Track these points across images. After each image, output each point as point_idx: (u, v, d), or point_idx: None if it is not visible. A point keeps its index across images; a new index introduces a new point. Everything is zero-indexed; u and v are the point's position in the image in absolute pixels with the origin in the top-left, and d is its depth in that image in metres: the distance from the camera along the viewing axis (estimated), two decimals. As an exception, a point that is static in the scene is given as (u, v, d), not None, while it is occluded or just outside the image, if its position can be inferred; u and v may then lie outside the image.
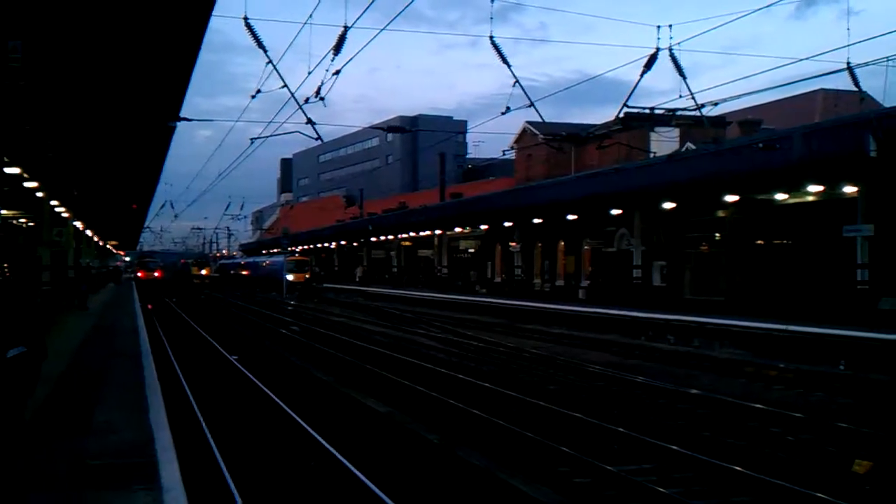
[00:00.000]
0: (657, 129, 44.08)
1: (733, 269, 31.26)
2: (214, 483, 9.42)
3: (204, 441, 11.47)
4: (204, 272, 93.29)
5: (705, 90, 39.20)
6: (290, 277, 67.26)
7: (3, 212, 33.69)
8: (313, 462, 10.64)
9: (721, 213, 31.60)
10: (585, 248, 42.67)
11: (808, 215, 27.63)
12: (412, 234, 59.52)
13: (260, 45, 16.13)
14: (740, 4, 20.88)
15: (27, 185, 25.56)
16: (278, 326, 33.06)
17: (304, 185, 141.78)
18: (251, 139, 23.49)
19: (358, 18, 15.35)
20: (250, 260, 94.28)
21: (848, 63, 19.72)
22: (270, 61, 17.05)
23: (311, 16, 16.41)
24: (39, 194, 28.06)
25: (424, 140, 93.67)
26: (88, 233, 52.50)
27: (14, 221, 39.95)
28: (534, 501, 8.71)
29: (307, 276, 69.88)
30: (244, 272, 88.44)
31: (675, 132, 44.15)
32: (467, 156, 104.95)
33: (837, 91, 47.43)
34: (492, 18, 18.77)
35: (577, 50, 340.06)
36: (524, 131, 62.70)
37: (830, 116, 40.33)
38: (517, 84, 20.21)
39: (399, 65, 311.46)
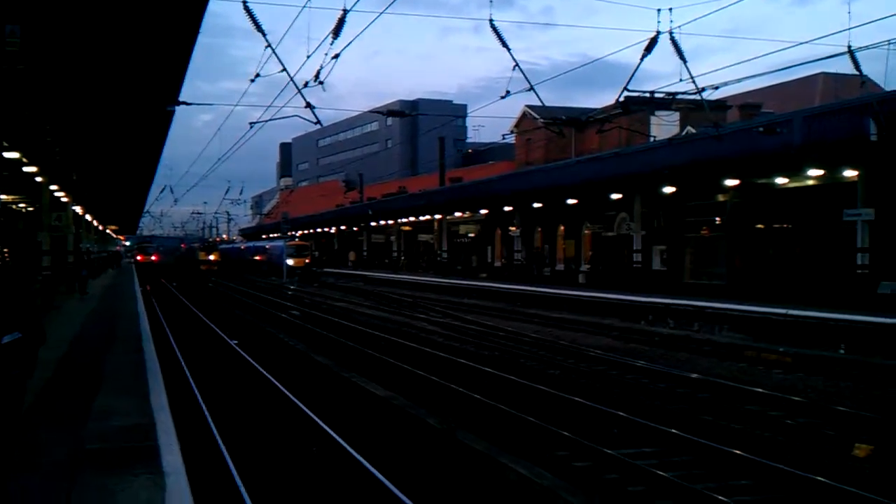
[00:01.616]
0: (657, 112, 44.13)
1: (733, 253, 31.26)
2: (216, 467, 9.45)
3: (205, 425, 11.50)
4: (212, 257, 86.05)
5: (706, 74, 39.23)
6: (290, 262, 67.26)
7: (3, 197, 33.68)
8: (315, 447, 10.67)
9: (721, 198, 31.56)
10: (585, 232, 42.67)
11: (809, 199, 27.60)
12: (412, 218, 59.47)
13: (259, 28, 16.04)
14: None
15: (26, 169, 25.52)
16: (278, 311, 33.08)
17: (303, 169, 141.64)
18: (250, 123, 23.39)
19: (357, 1, 15.22)
20: (250, 245, 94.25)
21: (849, 46, 19.63)
22: (269, 45, 16.96)
23: (309, -1, 16.31)
24: (39, 179, 28.01)
25: (424, 124, 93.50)
26: (88, 217, 52.45)
27: (14, 206, 39.96)
28: (534, 485, 8.73)
29: (307, 260, 69.88)
30: (244, 257, 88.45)
31: (676, 116, 44.14)
32: (467, 140, 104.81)
33: (838, 75, 47.37)
34: (491, 1, 18.67)
35: (581, 33, 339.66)
36: (524, 115, 62.66)
37: (831, 100, 40.26)
38: (517, 68, 20.13)
39: (400, 49, 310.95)
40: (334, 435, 10.77)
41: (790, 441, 10.97)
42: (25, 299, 5.85)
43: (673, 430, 11.01)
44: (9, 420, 5.69)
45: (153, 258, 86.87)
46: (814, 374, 16.65)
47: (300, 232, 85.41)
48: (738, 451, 9.93)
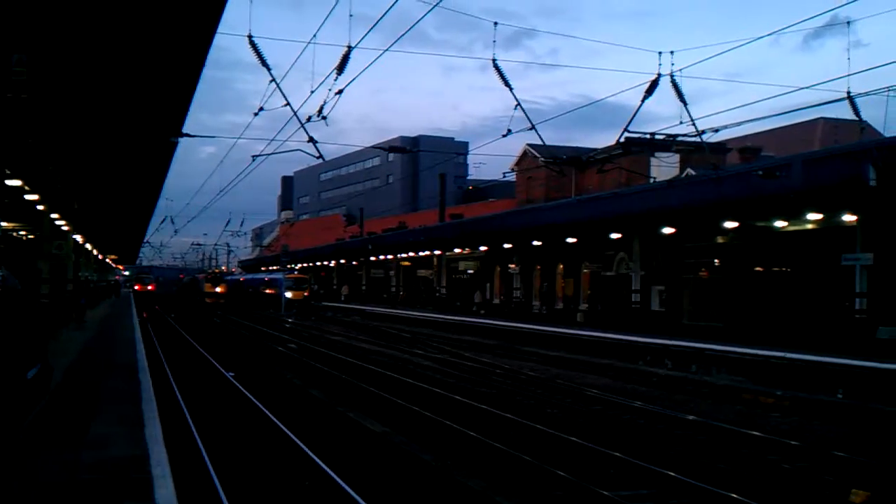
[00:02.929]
0: (657, 154, 44.26)
1: (732, 295, 31.25)
2: (209, 500, 9.37)
3: (199, 457, 11.42)
4: (219, 289, 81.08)
5: (707, 116, 39.72)
6: (288, 295, 67.24)
7: (4, 224, 33.75)
8: (307, 481, 10.60)
9: (720, 240, 31.63)
10: (584, 271, 42.67)
11: (808, 243, 27.66)
12: (412, 253, 59.54)
13: (263, 62, 16.19)
14: (746, 33, 20.97)
15: (28, 197, 25.58)
16: (275, 344, 32.99)
17: (304, 202, 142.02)
18: (253, 156, 23.53)
19: (361, 39, 15.44)
20: (249, 277, 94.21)
21: (848, 92, 19.79)
22: (273, 79, 17.14)
23: (315, 35, 16.52)
24: (40, 207, 28.07)
25: (425, 160, 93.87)
26: (88, 246, 52.48)
27: (14, 234, 40.00)
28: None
29: (306, 293, 69.84)
30: (242, 288, 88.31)
31: (676, 158, 44.24)
32: (468, 177, 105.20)
33: (837, 120, 47.63)
34: (494, 42, 18.87)
35: (585, 74, 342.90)
36: (525, 154, 62.90)
37: (830, 145, 40.46)
38: (518, 107, 20.31)
39: (405, 86, 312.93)
40: (328, 470, 10.69)
41: (787, 485, 10.90)
42: (39, 330, 5.86)
43: (670, 473, 10.95)
44: (11, 443, 5.67)
45: (150, 288, 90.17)
46: (811, 419, 16.58)
47: (299, 265, 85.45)
48: (734, 495, 9.86)
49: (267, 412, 15.37)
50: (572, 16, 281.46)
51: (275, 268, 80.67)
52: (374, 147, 39.62)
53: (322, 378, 21.96)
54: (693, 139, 22.66)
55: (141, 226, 51.66)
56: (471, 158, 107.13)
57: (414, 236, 56.59)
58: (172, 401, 16.51)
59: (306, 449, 11.97)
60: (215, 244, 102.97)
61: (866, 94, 20.14)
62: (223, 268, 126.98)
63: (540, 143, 23.45)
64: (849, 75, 19.41)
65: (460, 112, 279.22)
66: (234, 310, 70.02)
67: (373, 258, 66.97)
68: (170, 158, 24.11)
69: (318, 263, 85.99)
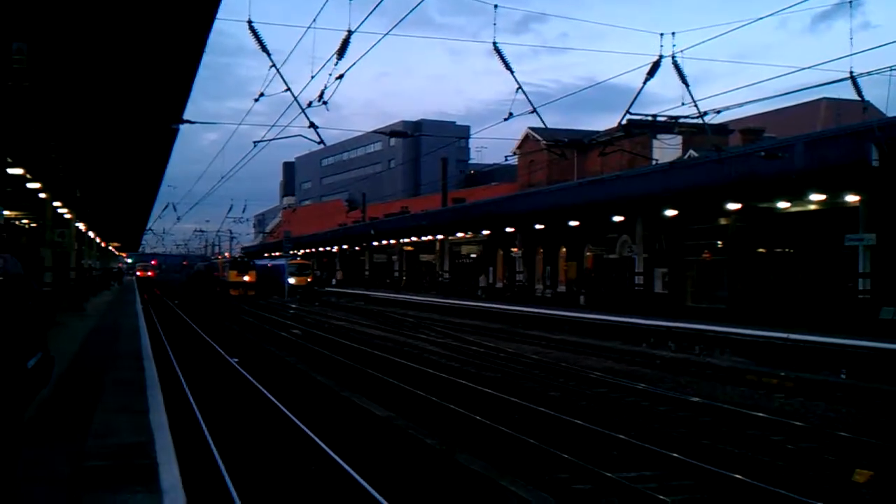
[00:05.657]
0: (660, 136, 44.24)
1: (735, 276, 31.26)
2: (214, 485, 9.41)
3: (204, 443, 11.47)
4: (247, 278, 70.59)
5: (709, 98, 39.37)
6: (291, 281, 67.29)
7: (6, 212, 33.76)
8: (313, 466, 10.64)
9: (723, 221, 31.60)
10: (587, 254, 42.66)
11: (810, 224, 27.63)
12: (414, 238, 59.57)
13: (264, 48, 16.14)
14: (752, 14, 20.84)
15: (30, 185, 25.61)
16: (279, 329, 33.04)
17: (306, 188, 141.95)
18: (254, 142, 23.49)
19: (361, 24, 15.30)
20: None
21: (851, 72, 19.70)
22: (274, 65, 17.07)
23: (314, 20, 16.45)
24: (42, 195, 28.09)
25: (427, 145, 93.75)
26: (91, 234, 52.53)
27: (17, 222, 40.04)
28: (533, 507, 8.68)
29: (309, 279, 69.90)
30: None
31: (678, 139, 44.17)
32: (470, 161, 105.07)
33: (840, 100, 47.46)
34: (495, 25, 18.78)
35: (591, 57, 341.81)
36: (527, 137, 62.85)
37: (833, 125, 40.35)
38: (520, 90, 20.25)
39: (409, 70, 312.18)
40: (332, 454, 10.73)
41: (791, 466, 10.93)
42: (41, 317, 5.84)
43: (674, 454, 10.97)
44: (11, 435, 5.68)
45: (150, 274, 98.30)
46: (815, 399, 16.60)
47: (302, 251, 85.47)
48: (738, 476, 9.88)
49: (271, 397, 15.41)
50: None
51: (277, 254, 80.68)
52: (375, 132, 39.51)
53: (326, 363, 22.00)
54: (695, 121, 22.59)
55: (143, 213, 51.73)
56: (473, 143, 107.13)
57: (416, 221, 56.59)
58: (177, 387, 16.56)
59: (311, 434, 12.01)
60: (218, 231, 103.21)
61: (869, 73, 20.06)
62: (226, 254, 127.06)
63: (542, 126, 23.41)
64: (852, 55, 19.32)
65: (465, 96, 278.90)
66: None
67: (375, 243, 67.01)
68: (171, 145, 24.11)
69: (321, 249, 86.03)
